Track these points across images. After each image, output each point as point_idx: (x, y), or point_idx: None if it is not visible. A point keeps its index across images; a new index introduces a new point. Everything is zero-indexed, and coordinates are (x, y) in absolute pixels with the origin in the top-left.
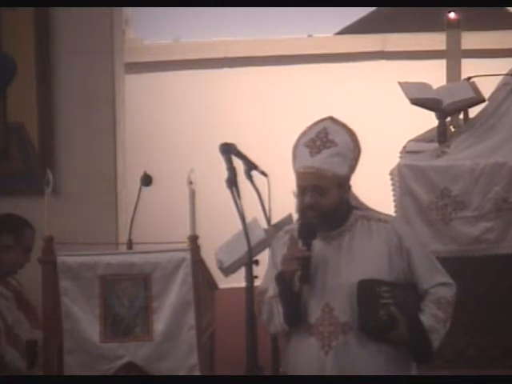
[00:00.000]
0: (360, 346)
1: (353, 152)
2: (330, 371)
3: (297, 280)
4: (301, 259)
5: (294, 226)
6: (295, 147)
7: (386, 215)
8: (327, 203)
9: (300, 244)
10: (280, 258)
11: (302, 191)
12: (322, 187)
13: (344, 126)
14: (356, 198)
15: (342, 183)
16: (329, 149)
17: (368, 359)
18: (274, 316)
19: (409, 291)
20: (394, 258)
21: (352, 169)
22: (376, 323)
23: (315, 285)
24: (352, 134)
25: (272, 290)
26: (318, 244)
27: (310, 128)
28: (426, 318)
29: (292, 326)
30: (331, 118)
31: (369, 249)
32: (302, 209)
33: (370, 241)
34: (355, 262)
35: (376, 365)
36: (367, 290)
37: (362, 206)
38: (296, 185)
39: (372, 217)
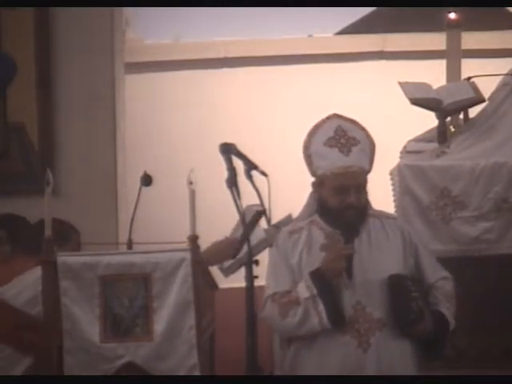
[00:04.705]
0: (393, 341)
1: (369, 146)
2: (369, 368)
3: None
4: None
5: (298, 224)
6: (308, 148)
7: (392, 213)
8: (365, 201)
9: (343, 242)
10: (297, 260)
11: (343, 191)
12: (362, 185)
13: (353, 122)
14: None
15: (367, 180)
16: (356, 146)
17: (401, 354)
18: (312, 317)
19: (419, 285)
20: (407, 252)
21: (371, 164)
22: (412, 317)
23: (342, 283)
24: (362, 129)
25: (307, 291)
26: None
27: (319, 127)
28: (444, 311)
29: (337, 324)
30: (337, 115)
31: (387, 245)
32: (342, 208)
33: (387, 237)
34: (378, 259)
35: (407, 360)
36: (399, 285)
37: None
38: (331, 185)
39: (380, 215)
